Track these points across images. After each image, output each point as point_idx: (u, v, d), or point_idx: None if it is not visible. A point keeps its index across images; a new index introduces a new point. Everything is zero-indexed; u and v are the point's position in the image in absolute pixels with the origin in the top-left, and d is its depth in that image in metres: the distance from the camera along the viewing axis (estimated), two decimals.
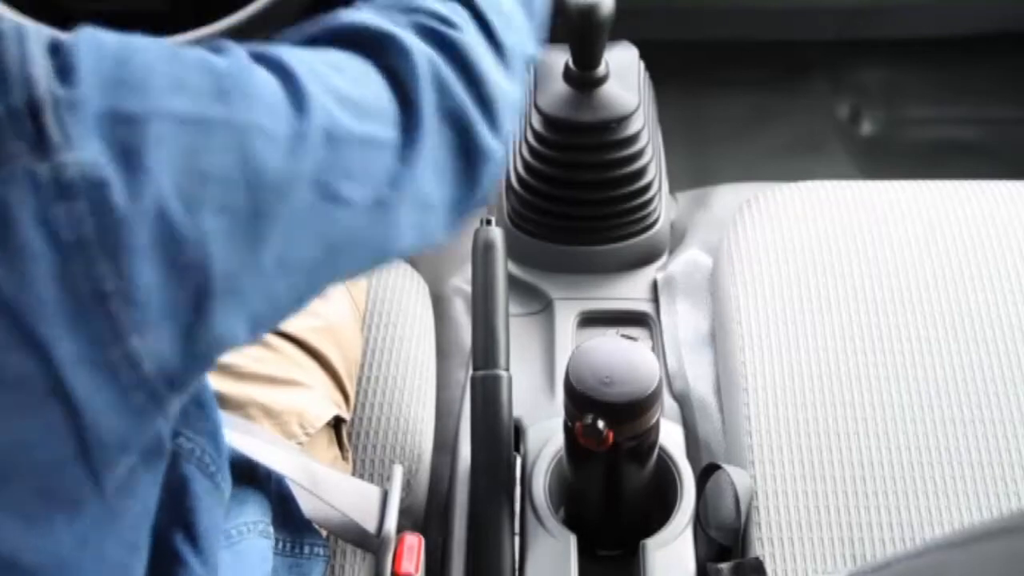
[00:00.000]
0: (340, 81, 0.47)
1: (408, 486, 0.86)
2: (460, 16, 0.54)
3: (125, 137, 0.37)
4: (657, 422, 0.74)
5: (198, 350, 0.40)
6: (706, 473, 0.84)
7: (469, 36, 0.53)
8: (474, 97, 0.52)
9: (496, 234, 0.87)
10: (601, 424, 0.69)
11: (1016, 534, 0.42)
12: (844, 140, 1.56)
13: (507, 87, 0.54)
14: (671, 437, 0.85)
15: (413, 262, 1.07)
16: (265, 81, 0.43)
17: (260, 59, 0.45)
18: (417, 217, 0.50)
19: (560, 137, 0.99)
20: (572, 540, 0.79)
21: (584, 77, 0.99)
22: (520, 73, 0.57)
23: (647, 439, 0.75)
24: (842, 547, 0.81)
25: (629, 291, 1.06)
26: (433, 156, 0.50)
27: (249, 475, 0.67)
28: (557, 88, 1.00)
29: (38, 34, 0.38)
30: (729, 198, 1.13)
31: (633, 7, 1.09)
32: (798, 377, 0.89)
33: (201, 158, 0.39)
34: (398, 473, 0.74)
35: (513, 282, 1.02)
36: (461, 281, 1.07)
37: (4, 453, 0.35)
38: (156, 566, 0.45)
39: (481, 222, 0.88)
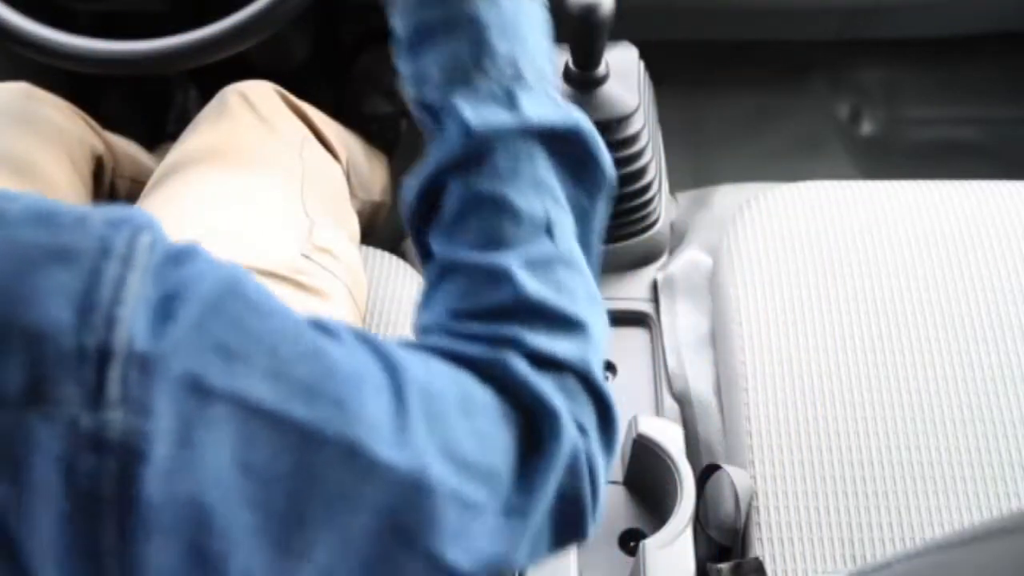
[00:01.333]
0: (463, 430, 0.42)
1: None
2: (590, 419, 0.48)
3: (192, 410, 0.34)
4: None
5: None
6: (706, 473, 0.84)
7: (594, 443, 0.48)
8: (591, 488, 0.48)
9: None
10: None
11: (1016, 534, 0.42)
12: (844, 140, 1.56)
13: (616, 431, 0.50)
14: (671, 437, 0.85)
15: (413, 262, 1.07)
16: (373, 392, 0.39)
17: (378, 355, 0.41)
18: None
19: None
20: None
21: (584, 77, 0.99)
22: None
23: None
24: (842, 547, 0.81)
25: (629, 291, 1.06)
26: (534, 536, 0.46)
27: None
28: (557, 88, 1.00)
29: (153, 252, 0.34)
30: (729, 198, 1.13)
31: (633, 7, 1.09)
32: (798, 377, 0.89)
33: (254, 452, 0.35)
34: None
35: None
36: None
37: None
38: None
39: None
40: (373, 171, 1.25)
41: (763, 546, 0.81)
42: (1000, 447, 0.85)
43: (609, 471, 0.49)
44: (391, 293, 0.98)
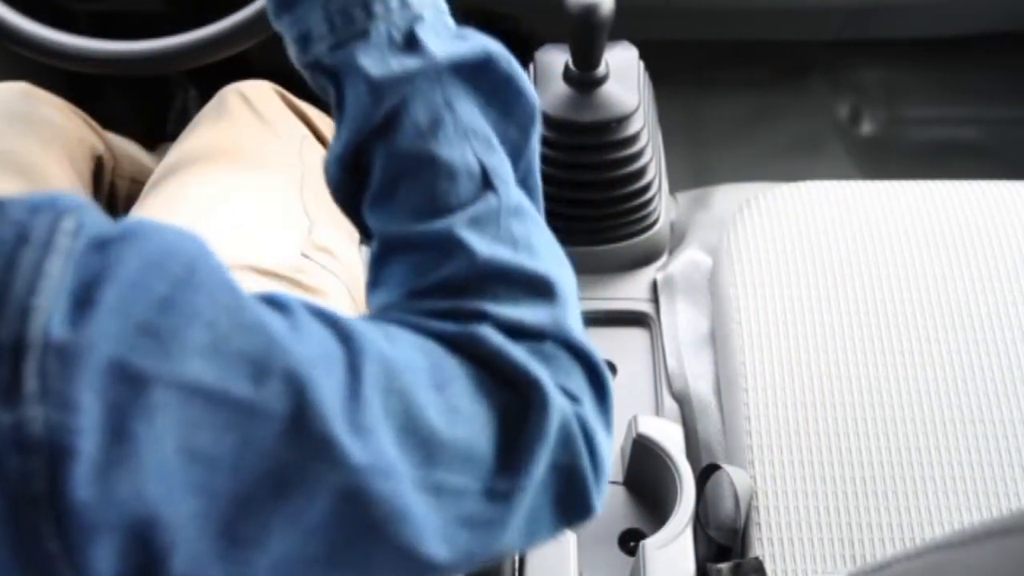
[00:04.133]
0: (434, 412, 0.39)
1: None
2: (578, 384, 0.46)
3: (122, 399, 0.31)
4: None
5: None
6: (706, 473, 0.84)
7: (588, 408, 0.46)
8: (591, 459, 0.45)
9: None
10: None
11: (1016, 534, 0.42)
12: (844, 140, 1.56)
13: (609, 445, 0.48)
14: (671, 437, 0.85)
15: None
16: (325, 367, 0.36)
17: (330, 324, 0.38)
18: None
19: (560, 137, 0.99)
20: (572, 540, 0.79)
21: (584, 77, 0.99)
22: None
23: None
24: (842, 547, 0.81)
25: (629, 291, 1.06)
26: (526, 518, 0.43)
27: None
28: (557, 88, 1.00)
29: (77, 237, 0.32)
30: (729, 198, 1.13)
31: (633, 7, 1.09)
32: (798, 377, 0.89)
33: (199, 436, 0.33)
34: None
35: None
36: None
37: None
38: None
39: None
40: None
41: (763, 546, 0.81)
42: (1000, 447, 0.85)
43: (610, 435, 0.47)
44: None
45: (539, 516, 0.43)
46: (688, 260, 1.06)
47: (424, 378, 0.40)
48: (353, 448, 0.36)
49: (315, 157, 0.98)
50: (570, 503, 0.44)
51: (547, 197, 1.02)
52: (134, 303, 0.32)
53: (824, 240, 0.97)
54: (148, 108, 1.49)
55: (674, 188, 1.19)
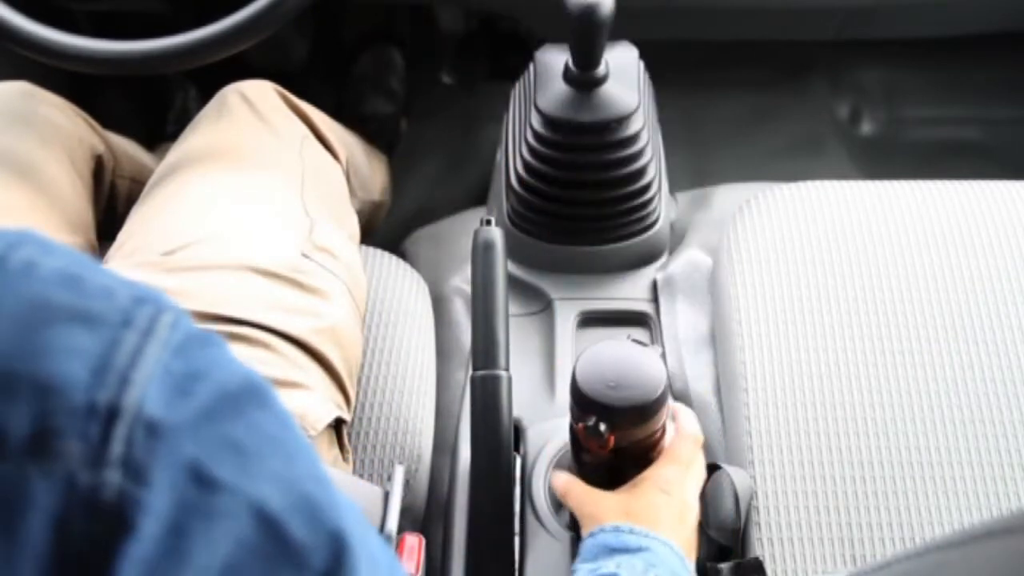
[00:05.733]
0: None
1: (408, 486, 0.86)
2: None
3: (191, 496, 0.32)
4: (663, 428, 0.74)
5: None
6: (706, 473, 0.84)
7: None
8: None
9: (496, 234, 0.87)
10: (603, 427, 0.69)
11: (1016, 534, 0.42)
12: (844, 140, 1.56)
13: None
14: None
15: (413, 262, 1.07)
16: (360, 540, 0.37)
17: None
18: None
19: (560, 137, 0.99)
20: (572, 540, 0.79)
21: (584, 77, 0.99)
22: None
23: (650, 445, 0.75)
24: (842, 547, 0.81)
25: (629, 291, 1.06)
26: None
27: None
28: (557, 88, 1.00)
29: (171, 330, 0.34)
30: (729, 198, 1.13)
31: (633, 7, 1.09)
32: (798, 377, 0.89)
33: (245, 558, 0.33)
34: (399, 473, 0.74)
35: (513, 282, 1.03)
36: (461, 281, 1.07)
37: None
38: None
39: (481, 222, 0.88)
40: (373, 171, 1.25)
41: (763, 546, 0.81)
42: (1000, 447, 0.85)
43: None
44: (391, 293, 0.98)
45: None
46: (688, 260, 1.06)
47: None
48: None
49: (315, 157, 0.98)
50: None
51: (548, 197, 1.03)
52: (228, 414, 0.33)
53: (824, 240, 0.97)
54: (148, 108, 1.49)
55: (674, 188, 1.19)
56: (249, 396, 0.35)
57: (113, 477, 0.31)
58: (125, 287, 0.34)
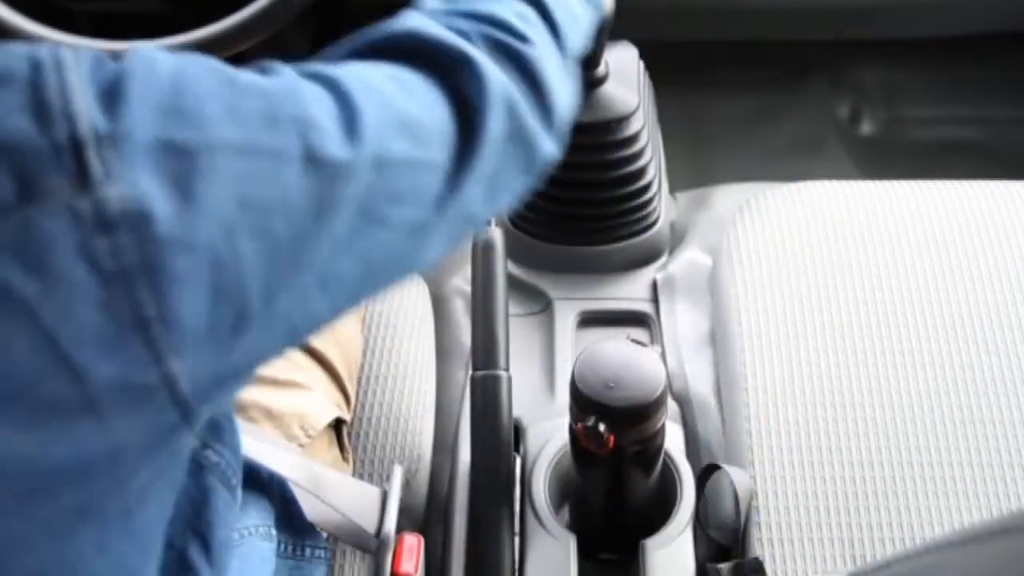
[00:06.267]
0: (403, 101, 0.46)
1: (408, 486, 0.86)
2: (531, 23, 0.54)
3: (177, 168, 0.37)
4: (662, 428, 0.74)
5: (235, 368, 0.41)
6: (706, 473, 0.84)
7: (540, 49, 0.53)
8: (540, 113, 0.52)
9: (496, 234, 0.87)
10: (602, 427, 0.69)
11: (1016, 534, 0.42)
12: (844, 140, 1.56)
13: (566, 93, 0.55)
14: (671, 437, 0.85)
15: None
16: (317, 104, 0.43)
17: (314, 78, 0.44)
18: (454, 231, 0.50)
19: None
20: (572, 541, 0.79)
21: (584, 77, 0.99)
22: (575, 70, 0.58)
23: (650, 445, 0.75)
24: (842, 547, 0.81)
25: (629, 291, 1.06)
26: (489, 176, 0.50)
27: (252, 478, 0.67)
28: None
29: (79, 60, 0.37)
30: (729, 198, 1.13)
31: (633, 7, 1.09)
32: (798, 377, 0.89)
33: (248, 186, 0.39)
34: (398, 474, 0.74)
35: (513, 282, 1.02)
36: (461, 281, 1.07)
37: (41, 473, 0.35)
38: (170, 574, 0.45)
39: None
40: None
41: (763, 546, 0.81)
42: (1000, 447, 0.85)
43: (566, 74, 0.55)
44: (391, 293, 0.98)
45: (502, 184, 0.51)
46: (688, 260, 1.06)
47: (392, 85, 0.47)
48: (352, 153, 0.43)
49: None
50: (528, 163, 0.52)
51: (548, 197, 1.03)
52: (153, 93, 0.37)
53: (824, 240, 0.97)
54: None
55: (674, 188, 1.19)
56: (155, 71, 0.38)
57: (107, 193, 0.35)
58: (13, 45, 0.37)
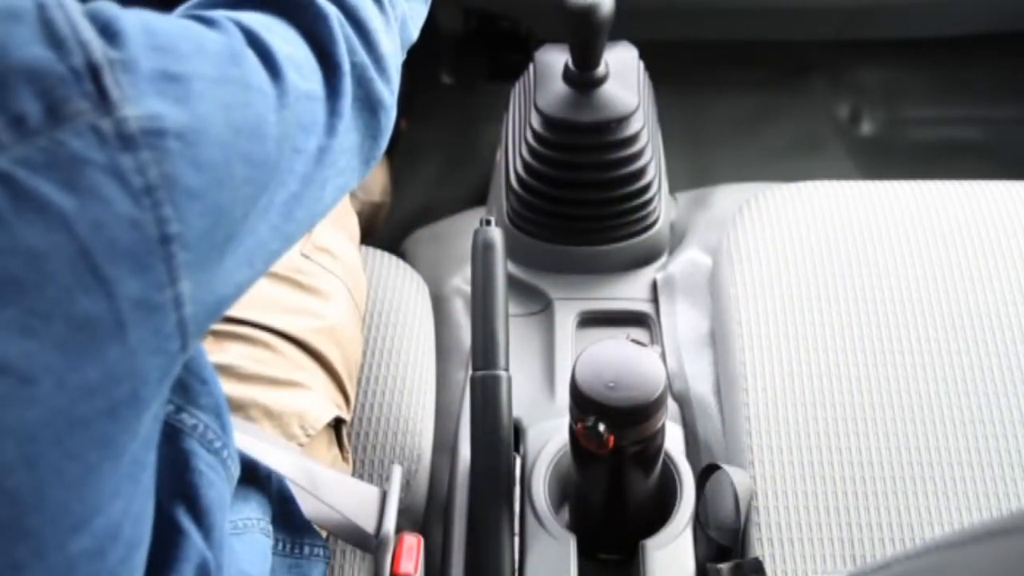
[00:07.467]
0: (280, 42, 0.50)
1: (408, 486, 0.86)
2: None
3: (177, 93, 0.40)
4: (662, 429, 0.74)
5: (222, 293, 0.44)
6: (706, 473, 0.84)
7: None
8: (371, 55, 0.56)
9: (496, 234, 0.87)
10: (602, 427, 0.69)
11: (1016, 534, 0.42)
12: (844, 140, 1.56)
13: (392, 47, 0.59)
14: (671, 437, 0.85)
15: (413, 262, 1.07)
16: (247, 45, 0.47)
17: (229, 21, 0.47)
18: (342, 165, 0.54)
19: (560, 137, 0.99)
20: (572, 541, 0.79)
21: (584, 77, 0.99)
22: (399, 36, 0.61)
23: (650, 445, 0.75)
24: (842, 547, 0.81)
25: (629, 291, 1.06)
26: (348, 110, 0.54)
27: (250, 474, 0.67)
28: (557, 88, 1.00)
29: (72, 3, 0.39)
30: (729, 198, 1.13)
31: (633, 7, 1.09)
32: (798, 377, 0.89)
33: (232, 112, 0.42)
34: (397, 473, 0.74)
35: (513, 282, 1.02)
36: (461, 281, 1.07)
37: (74, 392, 0.36)
38: (158, 536, 0.46)
39: (481, 222, 0.88)
40: (373, 171, 1.25)
41: (763, 546, 0.81)
42: (1000, 447, 0.85)
43: (398, 50, 0.60)
44: (391, 293, 0.98)
45: (355, 120, 0.55)
46: (688, 260, 1.06)
47: (265, 28, 0.50)
48: (280, 87, 0.47)
49: None
50: (370, 102, 0.56)
51: (548, 197, 1.03)
52: (137, 32, 0.40)
53: (824, 240, 0.97)
54: None
55: (674, 188, 1.19)
56: (138, 17, 0.41)
57: (127, 112, 0.38)
58: None
